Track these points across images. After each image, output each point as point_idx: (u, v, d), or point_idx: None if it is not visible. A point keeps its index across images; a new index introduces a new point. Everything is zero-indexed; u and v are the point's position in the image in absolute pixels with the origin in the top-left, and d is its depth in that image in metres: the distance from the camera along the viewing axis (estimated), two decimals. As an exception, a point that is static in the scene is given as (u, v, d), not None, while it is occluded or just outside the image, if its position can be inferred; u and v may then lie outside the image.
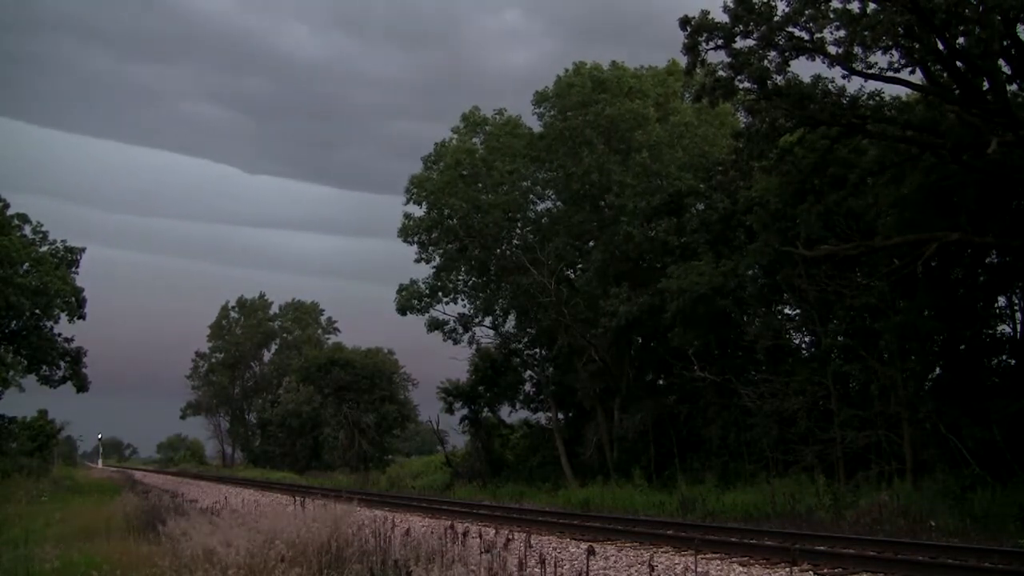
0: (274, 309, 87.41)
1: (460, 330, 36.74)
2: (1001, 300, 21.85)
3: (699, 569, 9.73)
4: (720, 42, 19.03)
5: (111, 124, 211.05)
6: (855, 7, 17.40)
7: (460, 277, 36.72)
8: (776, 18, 18.26)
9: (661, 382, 32.15)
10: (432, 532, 11.00)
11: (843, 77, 19.05)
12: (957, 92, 18.23)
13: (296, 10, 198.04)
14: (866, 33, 16.84)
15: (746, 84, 19.55)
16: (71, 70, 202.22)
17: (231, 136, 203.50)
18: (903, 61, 18.21)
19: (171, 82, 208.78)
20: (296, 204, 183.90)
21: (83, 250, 42.24)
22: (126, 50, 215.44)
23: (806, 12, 17.92)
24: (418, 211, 35.08)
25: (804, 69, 21.38)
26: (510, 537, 10.40)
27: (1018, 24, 16.82)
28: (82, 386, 42.46)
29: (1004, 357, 21.75)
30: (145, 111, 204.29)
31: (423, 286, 35.82)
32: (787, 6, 18.16)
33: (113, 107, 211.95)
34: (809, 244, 20.42)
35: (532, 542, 10.98)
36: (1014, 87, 18.34)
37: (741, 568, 10.64)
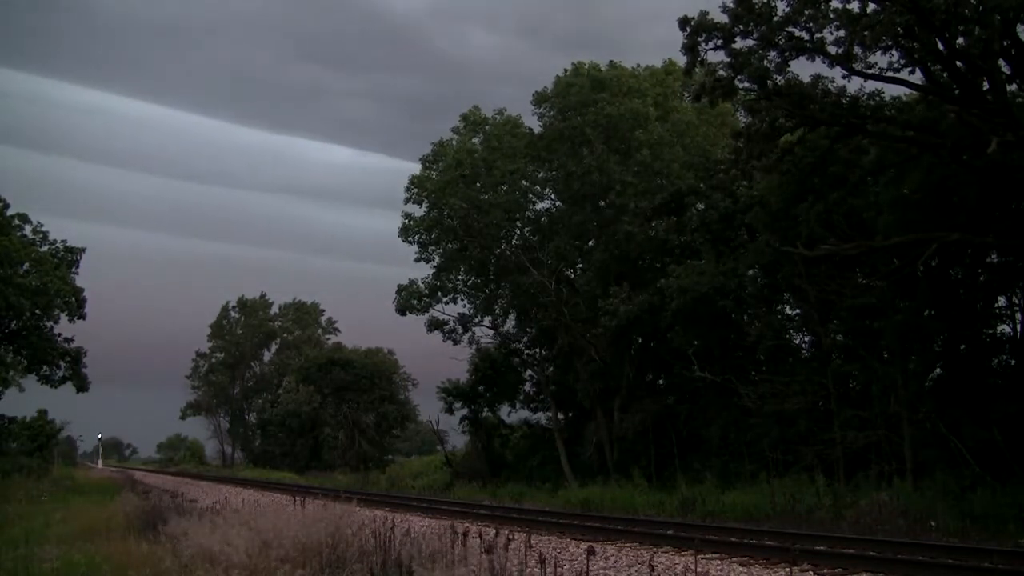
0: (274, 309, 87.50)
1: (460, 330, 36.80)
2: (1001, 300, 21.86)
3: (699, 569, 9.73)
4: (720, 42, 19.02)
5: (256, 116, 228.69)
6: (855, 7, 17.41)
7: (460, 277, 36.74)
8: (776, 18, 18.25)
9: (661, 382, 32.15)
10: (432, 532, 11.00)
11: (843, 77, 19.08)
12: (957, 92, 18.23)
13: (484, 17, 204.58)
14: (866, 33, 16.83)
15: (746, 84, 19.55)
16: (240, 69, 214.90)
17: (372, 129, 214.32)
18: (903, 61, 18.21)
19: (332, 81, 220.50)
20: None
21: (83, 250, 42.24)
22: (301, 51, 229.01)
23: (806, 12, 17.92)
24: (418, 211, 35.16)
25: (804, 69, 21.43)
26: (510, 537, 10.39)
27: (1018, 24, 16.83)
28: (82, 386, 42.42)
29: (1004, 357, 21.74)
30: (299, 106, 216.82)
31: (422, 286, 35.84)
32: (787, 6, 18.16)
33: (268, 102, 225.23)
34: (809, 244, 20.41)
35: (532, 542, 10.98)
36: (1014, 87, 18.34)
37: (741, 568, 10.64)
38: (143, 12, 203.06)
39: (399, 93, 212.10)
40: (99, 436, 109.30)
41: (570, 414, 36.21)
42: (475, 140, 35.04)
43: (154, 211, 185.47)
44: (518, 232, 35.60)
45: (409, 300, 35.54)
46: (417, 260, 35.89)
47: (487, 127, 34.84)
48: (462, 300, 37.11)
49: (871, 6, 17.23)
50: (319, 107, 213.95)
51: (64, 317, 40.20)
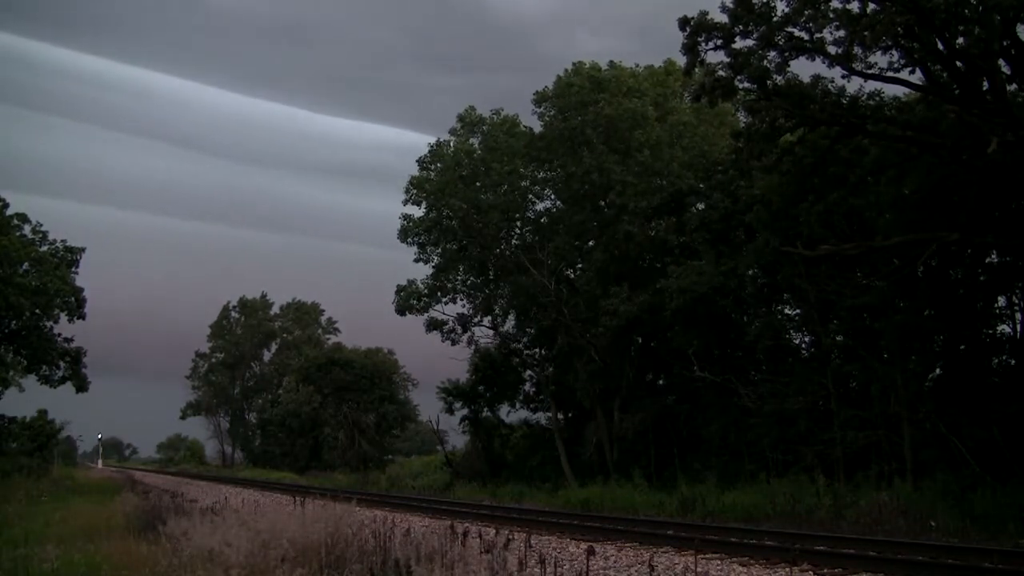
0: (275, 309, 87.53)
1: (459, 330, 36.76)
2: (1001, 300, 21.84)
3: (699, 569, 9.73)
4: (719, 42, 19.01)
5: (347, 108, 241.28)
6: (855, 7, 17.41)
7: (459, 277, 36.73)
8: (776, 18, 18.25)
9: (661, 382, 32.14)
10: (432, 532, 11.00)
11: (843, 77, 19.08)
12: (957, 92, 18.23)
13: (593, 20, 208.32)
14: (866, 33, 16.83)
15: (746, 84, 19.54)
16: (337, 66, 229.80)
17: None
18: (903, 61, 18.21)
19: (429, 79, 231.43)
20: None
21: (83, 250, 42.20)
22: (406, 51, 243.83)
23: (806, 12, 17.91)
24: (417, 211, 35.15)
25: (804, 69, 21.42)
26: (510, 537, 10.39)
27: (1018, 24, 16.82)
28: (82, 386, 42.41)
29: (1004, 357, 21.72)
30: (397, 103, 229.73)
31: (422, 286, 35.81)
32: (787, 6, 18.15)
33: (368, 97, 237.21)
34: (809, 244, 20.41)
35: (532, 542, 10.98)
36: (1014, 87, 18.32)
37: (741, 568, 10.65)
38: (255, 11, 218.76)
39: (496, 91, 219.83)
40: (99, 436, 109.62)
41: (570, 414, 36.19)
42: (473, 141, 35.04)
43: (177, 194, 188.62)
44: (517, 232, 35.59)
45: (408, 300, 35.51)
46: (416, 261, 35.94)
47: (484, 127, 34.83)
48: (461, 300, 37.14)
49: (871, 6, 17.25)
50: (411, 102, 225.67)
51: (64, 317, 40.25)
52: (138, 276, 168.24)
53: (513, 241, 35.32)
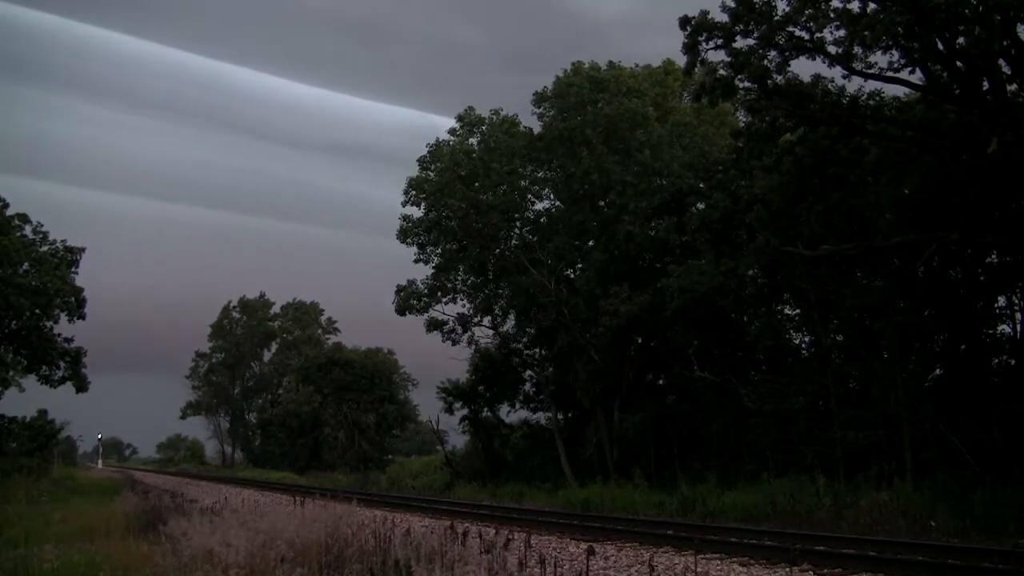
0: (275, 309, 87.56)
1: (459, 330, 36.74)
2: (1001, 300, 21.85)
3: (699, 569, 9.72)
4: (720, 42, 19.01)
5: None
6: (855, 7, 17.41)
7: (459, 277, 36.72)
8: (776, 18, 18.24)
9: (661, 382, 32.14)
10: (432, 532, 11.00)
11: (843, 77, 19.08)
12: (957, 92, 18.22)
13: (669, 21, 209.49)
14: (866, 33, 16.83)
15: (746, 84, 19.53)
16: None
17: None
18: (903, 61, 18.21)
19: (496, 76, 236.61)
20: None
21: (83, 250, 42.21)
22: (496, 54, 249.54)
23: (806, 12, 17.90)
24: (417, 212, 35.14)
25: (804, 69, 21.42)
26: (510, 537, 10.41)
27: (1018, 24, 16.82)
28: (82, 386, 42.40)
29: (1004, 357, 21.72)
30: (466, 99, 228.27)
31: (422, 286, 35.81)
32: (787, 5, 18.15)
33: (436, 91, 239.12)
34: (810, 244, 20.40)
35: (532, 542, 10.98)
36: (1014, 87, 18.32)
37: (741, 568, 10.64)
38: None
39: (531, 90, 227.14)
40: (99, 436, 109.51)
41: (570, 414, 36.19)
42: (472, 141, 35.02)
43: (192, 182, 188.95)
44: (517, 232, 35.57)
45: (408, 300, 35.50)
46: (416, 261, 35.90)
47: (483, 127, 34.82)
48: (461, 300, 37.11)
49: (871, 6, 17.24)
50: (481, 99, 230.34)
51: (64, 317, 40.25)
52: (139, 271, 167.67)
53: (513, 241, 35.27)
